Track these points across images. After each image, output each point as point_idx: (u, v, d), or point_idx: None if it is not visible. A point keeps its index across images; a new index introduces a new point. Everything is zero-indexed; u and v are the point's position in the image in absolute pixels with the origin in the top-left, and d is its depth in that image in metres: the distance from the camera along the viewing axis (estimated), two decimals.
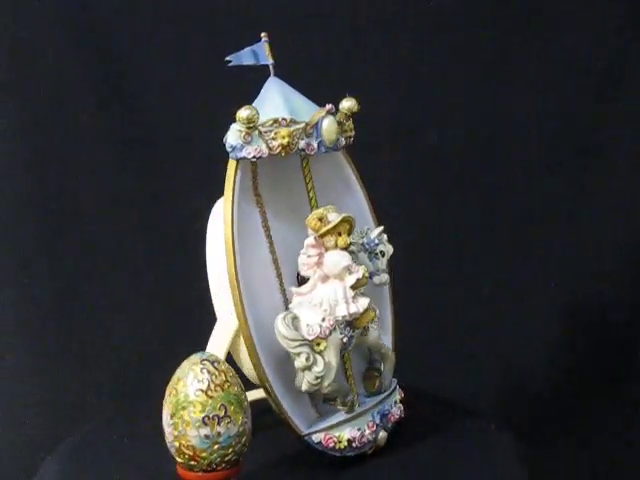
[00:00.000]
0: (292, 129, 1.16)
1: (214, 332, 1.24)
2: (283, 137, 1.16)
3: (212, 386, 1.07)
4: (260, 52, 1.21)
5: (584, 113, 1.59)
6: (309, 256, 1.18)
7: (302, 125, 1.17)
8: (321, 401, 1.20)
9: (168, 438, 1.09)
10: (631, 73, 1.57)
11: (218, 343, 1.23)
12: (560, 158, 1.61)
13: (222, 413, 1.07)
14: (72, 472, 1.22)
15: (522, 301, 1.67)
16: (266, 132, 1.15)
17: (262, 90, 1.21)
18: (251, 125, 1.14)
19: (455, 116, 1.62)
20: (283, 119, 1.16)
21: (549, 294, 1.66)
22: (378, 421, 1.22)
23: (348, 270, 1.17)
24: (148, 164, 1.75)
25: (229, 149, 1.15)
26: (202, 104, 1.68)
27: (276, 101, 1.19)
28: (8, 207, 1.74)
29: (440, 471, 1.19)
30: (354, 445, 1.19)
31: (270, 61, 1.21)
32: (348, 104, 1.23)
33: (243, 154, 1.15)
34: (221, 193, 1.20)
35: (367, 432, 1.21)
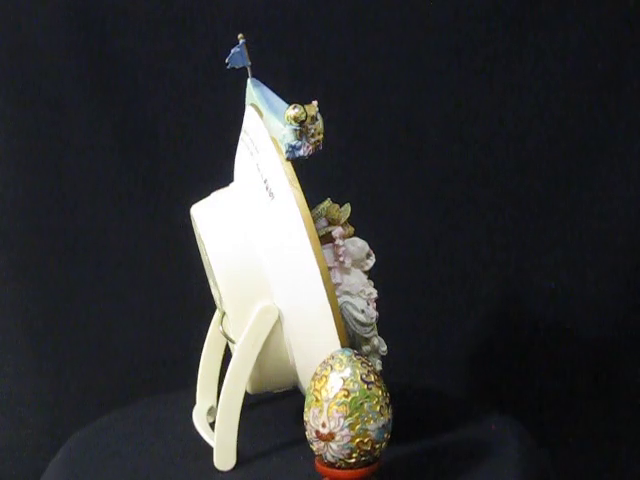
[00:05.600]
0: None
1: (237, 359, 1.18)
2: (319, 133, 1.18)
3: (376, 377, 1.09)
4: (242, 54, 1.20)
5: (584, 113, 1.62)
6: (340, 246, 1.22)
7: (320, 121, 1.20)
8: None
9: (342, 441, 1.07)
10: (631, 73, 1.61)
11: (243, 365, 1.18)
12: (560, 158, 1.65)
13: (388, 400, 1.10)
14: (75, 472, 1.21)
15: (522, 300, 1.70)
16: (309, 130, 1.17)
17: (257, 92, 1.20)
18: (303, 123, 1.15)
19: (455, 116, 1.62)
20: (313, 116, 1.18)
21: (549, 293, 1.69)
22: None
23: (368, 254, 1.24)
24: (149, 164, 1.66)
25: (289, 149, 1.14)
26: (203, 104, 1.61)
27: (280, 101, 1.20)
28: (8, 207, 1.70)
29: (442, 469, 1.21)
30: None
31: (249, 62, 1.21)
32: None
33: (301, 153, 1.15)
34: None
35: None
